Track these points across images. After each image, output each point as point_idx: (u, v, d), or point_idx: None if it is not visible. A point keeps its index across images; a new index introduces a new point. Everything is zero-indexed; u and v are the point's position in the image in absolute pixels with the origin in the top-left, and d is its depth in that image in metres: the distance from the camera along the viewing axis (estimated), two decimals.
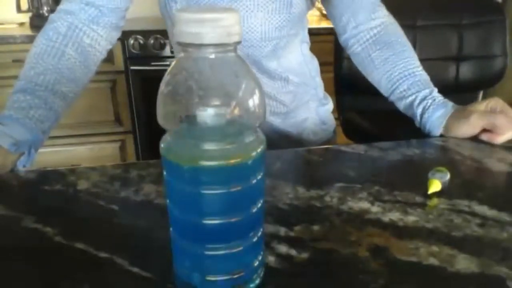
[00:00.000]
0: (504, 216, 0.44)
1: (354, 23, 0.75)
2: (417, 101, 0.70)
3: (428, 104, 0.68)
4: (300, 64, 0.81)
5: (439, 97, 0.69)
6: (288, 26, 0.74)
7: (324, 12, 2.15)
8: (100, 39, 0.68)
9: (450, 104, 0.68)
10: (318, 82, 0.88)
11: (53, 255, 0.38)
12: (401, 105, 0.73)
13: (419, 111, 0.69)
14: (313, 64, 0.86)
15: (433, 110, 0.68)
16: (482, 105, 0.65)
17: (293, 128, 0.84)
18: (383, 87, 0.75)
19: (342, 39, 0.79)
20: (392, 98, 0.74)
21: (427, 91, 0.70)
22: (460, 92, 1.47)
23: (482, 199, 0.47)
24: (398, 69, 0.72)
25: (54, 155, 1.82)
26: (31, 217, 0.44)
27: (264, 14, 0.70)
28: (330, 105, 0.91)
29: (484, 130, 0.64)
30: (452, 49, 1.44)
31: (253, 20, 0.70)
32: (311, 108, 0.86)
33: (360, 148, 0.62)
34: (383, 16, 0.75)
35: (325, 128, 0.89)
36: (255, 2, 0.69)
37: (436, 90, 0.71)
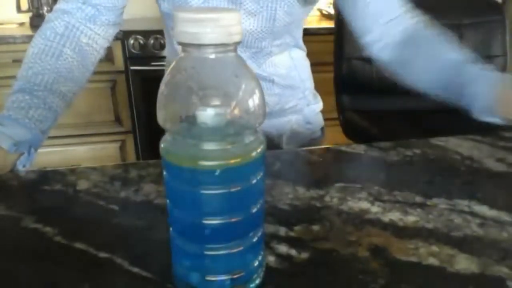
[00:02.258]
0: (504, 216, 0.44)
1: (379, 35, 0.71)
2: (464, 84, 0.63)
3: (473, 77, 0.63)
4: (288, 68, 0.79)
5: (486, 68, 0.63)
6: (271, 37, 0.72)
7: (324, 12, 2.16)
8: (98, 38, 0.67)
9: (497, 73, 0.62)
10: (308, 86, 0.85)
11: (53, 255, 0.38)
12: (452, 99, 0.66)
13: (467, 91, 0.63)
14: (304, 67, 0.83)
15: (481, 80, 0.62)
16: None
17: (273, 129, 0.81)
18: (427, 88, 0.69)
19: (372, 51, 0.75)
20: (441, 95, 0.68)
21: (471, 67, 0.64)
22: None
23: (482, 199, 0.47)
24: (437, 65, 0.67)
25: (54, 155, 1.81)
26: (31, 217, 0.44)
27: (245, 26, 0.69)
28: (318, 105, 0.88)
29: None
30: None
31: None
32: (296, 111, 0.83)
33: (360, 148, 0.62)
34: (411, 18, 0.71)
35: (309, 128, 0.86)
36: None
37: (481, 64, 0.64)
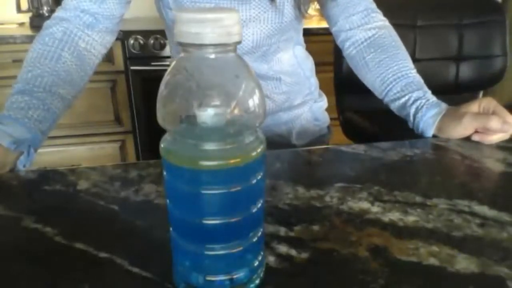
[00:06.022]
0: (504, 216, 0.44)
1: (348, 26, 0.76)
2: (410, 101, 0.70)
3: (422, 104, 0.68)
4: (293, 65, 0.82)
5: (432, 98, 0.70)
6: (279, 34, 0.74)
7: None
8: (95, 44, 0.69)
9: (443, 104, 0.68)
10: (313, 82, 0.88)
11: (53, 255, 0.38)
12: (394, 107, 0.73)
13: (412, 111, 0.69)
14: (307, 64, 0.86)
15: (426, 110, 0.68)
16: (475, 106, 0.65)
17: (283, 125, 0.84)
18: (377, 89, 0.75)
19: (338, 41, 0.80)
20: (386, 100, 0.75)
21: (420, 92, 0.70)
22: (460, 92, 1.47)
23: (482, 199, 0.47)
24: (392, 71, 0.72)
25: (54, 155, 1.81)
26: (31, 217, 0.44)
27: (256, 24, 0.71)
28: (323, 102, 0.91)
29: (476, 131, 0.64)
30: (452, 49, 1.44)
31: (244, 29, 0.71)
32: (304, 107, 0.86)
33: (360, 148, 0.62)
34: (379, 21, 0.76)
35: (317, 124, 0.89)
36: (248, 13, 0.70)
37: (429, 92, 0.71)
